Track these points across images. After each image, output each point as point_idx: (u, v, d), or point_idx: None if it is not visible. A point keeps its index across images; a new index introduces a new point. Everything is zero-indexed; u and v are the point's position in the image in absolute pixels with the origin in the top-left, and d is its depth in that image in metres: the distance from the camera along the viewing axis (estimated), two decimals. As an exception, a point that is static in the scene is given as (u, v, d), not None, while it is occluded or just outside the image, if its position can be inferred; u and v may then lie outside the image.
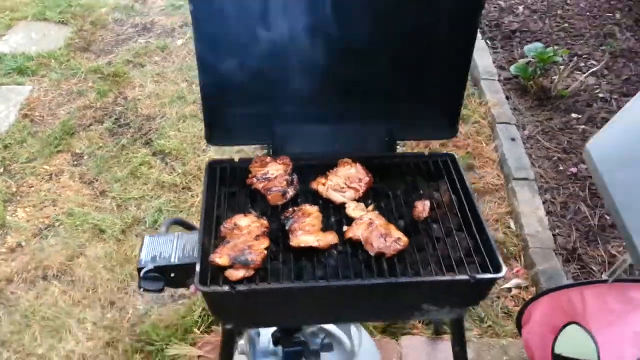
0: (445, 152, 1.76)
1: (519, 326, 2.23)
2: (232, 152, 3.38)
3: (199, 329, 2.43)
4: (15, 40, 4.33)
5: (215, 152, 3.40)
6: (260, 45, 1.63)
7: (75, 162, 3.34)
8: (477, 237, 1.47)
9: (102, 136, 3.52)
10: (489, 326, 2.44)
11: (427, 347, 2.34)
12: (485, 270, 1.37)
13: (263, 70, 1.68)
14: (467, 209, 1.55)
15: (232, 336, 1.56)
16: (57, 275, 2.70)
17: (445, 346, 2.32)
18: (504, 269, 1.35)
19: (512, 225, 2.87)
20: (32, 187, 3.16)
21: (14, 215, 3.00)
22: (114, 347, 2.42)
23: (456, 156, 1.70)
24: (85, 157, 3.37)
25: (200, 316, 2.47)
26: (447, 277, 1.36)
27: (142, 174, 3.26)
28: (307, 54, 1.67)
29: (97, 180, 3.22)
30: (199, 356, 2.33)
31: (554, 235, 2.77)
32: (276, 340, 1.72)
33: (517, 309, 2.50)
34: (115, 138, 3.52)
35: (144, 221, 2.97)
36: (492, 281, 1.38)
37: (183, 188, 3.19)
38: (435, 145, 3.26)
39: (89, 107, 3.75)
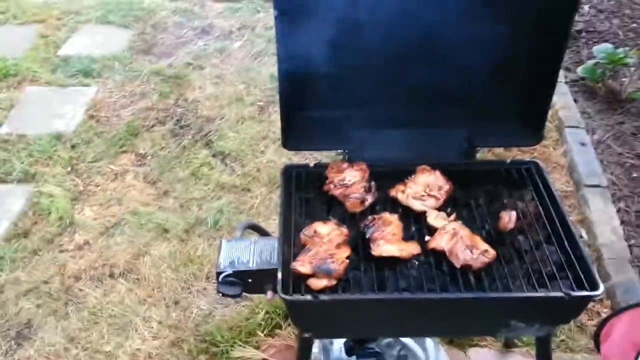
0: (528, 159, 1.69)
1: (597, 342, 2.13)
2: (290, 155, 3.38)
3: (262, 332, 2.43)
4: (80, 43, 4.44)
5: (274, 154, 3.42)
6: (339, 50, 1.61)
7: (139, 163, 3.40)
8: (569, 250, 1.40)
9: (164, 137, 3.58)
10: (562, 340, 2.34)
11: (497, 360, 2.27)
12: (580, 287, 1.31)
13: (341, 74, 1.65)
14: (555, 219, 1.48)
15: (309, 345, 1.54)
16: (123, 274, 2.75)
17: (516, 359, 2.25)
18: (601, 286, 1.28)
19: (584, 234, 2.76)
20: (98, 186, 3.23)
21: (81, 213, 3.07)
22: (179, 346, 2.44)
23: (541, 164, 1.63)
24: (149, 158, 3.43)
25: (263, 319, 2.46)
26: (540, 294, 1.29)
27: (203, 175, 3.29)
28: (385, 58, 1.64)
29: (160, 181, 3.26)
30: (263, 359, 2.33)
31: (629, 246, 2.65)
32: (349, 349, 1.69)
33: (592, 322, 2.40)
34: (176, 139, 3.57)
35: (206, 222, 2.99)
36: (588, 299, 1.32)
37: (243, 189, 3.20)
38: (499, 150, 3.17)
39: (152, 108, 3.81)
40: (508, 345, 2.27)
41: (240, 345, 2.37)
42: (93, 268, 2.78)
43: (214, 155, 3.45)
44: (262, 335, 2.42)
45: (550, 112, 3.50)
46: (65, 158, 3.38)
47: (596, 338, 2.10)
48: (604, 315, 2.28)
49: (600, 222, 2.73)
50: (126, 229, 2.97)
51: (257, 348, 2.38)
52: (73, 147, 3.48)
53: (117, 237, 2.93)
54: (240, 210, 3.07)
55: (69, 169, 3.33)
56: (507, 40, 1.61)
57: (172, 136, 3.60)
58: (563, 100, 3.58)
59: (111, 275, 2.74)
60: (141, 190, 3.21)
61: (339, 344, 1.75)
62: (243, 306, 2.58)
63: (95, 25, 4.69)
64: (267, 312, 2.48)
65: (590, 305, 2.47)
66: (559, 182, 3.05)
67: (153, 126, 3.67)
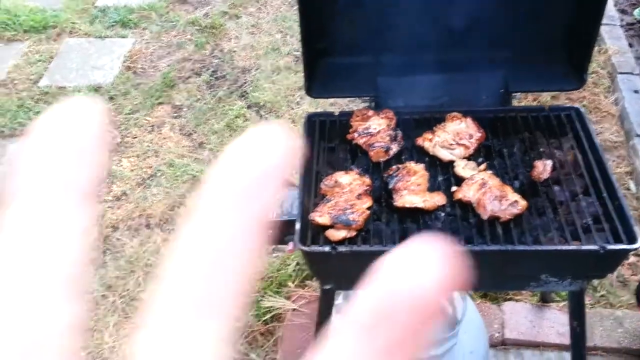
0: (569, 105, 1.57)
1: (638, 298, 2.03)
2: (326, 106, 3.31)
3: (293, 283, 2.43)
4: (117, -7, 4.42)
5: (309, 105, 3.34)
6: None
7: (175, 114, 3.40)
8: (608, 201, 1.30)
9: (199, 88, 3.55)
10: (602, 296, 2.25)
11: (532, 315, 2.19)
12: (617, 239, 1.22)
13: (368, 16, 1.56)
14: (595, 169, 1.37)
15: (330, 296, 1.51)
16: (159, 224, 2.79)
17: (552, 315, 2.17)
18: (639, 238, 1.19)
19: (632, 186, 2.61)
20: (135, 137, 3.26)
21: (119, 164, 3.11)
22: (212, 296, 2.47)
23: (582, 110, 1.51)
24: (185, 109, 3.42)
25: (294, 270, 2.46)
26: (572, 247, 1.21)
27: (237, 127, 3.27)
28: (414, -3, 1.53)
29: (195, 132, 3.26)
30: (293, 309, 2.34)
31: (682, 199, 2.49)
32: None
33: (635, 278, 2.29)
34: (212, 90, 3.54)
35: (240, 174, 2.98)
36: (625, 253, 1.23)
37: (278, 141, 3.17)
38: (545, 98, 3.01)
39: (188, 59, 3.79)
40: (545, 300, 2.19)
41: (271, 296, 2.38)
42: (130, 218, 2.82)
43: (249, 107, 3.41)
44: (292, 286, 2.42)
45: (602, 58, 3.30)
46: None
47: (638, 293, 2.01)
48: (649, 271, 2.18)
49: (652, 174, 2.57)
50: (162, 180, 3.00)
51: (288, 299, 2.38)
52: (111, 98, 3.50)
53: (153, 188, 2.96)
54: (274, 162, 3.04)
55: (107, 121, 3.36)
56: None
57: (207, 87, 3.57)
58: (617, 45, 3.34)
59: (147, 226, 2.79)
60: (177, 142, 3.22)
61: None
62: (275, 257, 2.58)
63: (132, -26, 4.65)
64: (297, 264, 2.48)
65: (634, 259, 2.35)
66: (608, 132, 2.88)
67: (189, 77, 3.65)
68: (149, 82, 3.62)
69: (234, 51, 3.83)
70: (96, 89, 3.54)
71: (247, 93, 3.49)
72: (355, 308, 0.20)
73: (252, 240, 0.21)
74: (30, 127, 0.21)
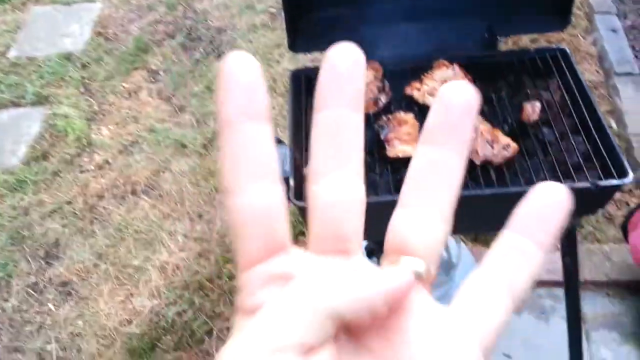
0: (555, 46, 1.57)
1: (625, 232, 2.09)
2: (306, 62, 3.27)
3: (286, 240, 2.44)
4: (80, -44, 4.24)
5: (289, 62, 3.30)
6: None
7: (152, 79, 3.33)
8: (597, 138, 1.31)
9: (175, 51, 3.48)
10: (589, 232, 2.31)
11: (522, 256, 2.25)
12: (608, 175, 1.24)
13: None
14: (583, 108, 1.38)
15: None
16: (145, 190, 2.77)
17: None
18: (630, 173, 1.21)
19: (614, 125, 2.65)
20: (112, 105, 3.20)
21: (98, 133, 3.06)
22: (206, 257, 2.48)
23: (568, 51, 1.51)
24: (161, 73, 3.35)
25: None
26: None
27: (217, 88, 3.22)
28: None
29: (174, 96, 3.21)
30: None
31: (662, 135, 2.54)
32: (370, 251, 1.68)
33: (620, 213, 2.35)
34: (188, 53, 3.47)
35: (224, 135, 2.95)
36: (616, 188, 1.25)
37: (259, 100, 3.13)
38: (525, 41, 3.00)
39: (159, 21, 3.69)
40: (534, 241, 2.24)
41: (264, 254, 2.40)
42: (115, 186, 2.80)
43: (227, 67, 3.35)
44: (286, 242, 2.43)
45: (579, -2, 3.29)
46: (77, 78, 3.33)
47: (624, 228, 2.07)
48: (632, 206, 2.23)
49: (631, 111, 2.61)
50: (144, 146, 2.96)
51: (282, 255, 2.40)
52: (84, 66, 3.41)
53: (136, 155, 2.92)
54: (257, 122, 3.02)
55: (82, 89, 3.29)
56: None
57: (183, 50, 3.50)
58: (593, -16, 3.33)
59: (133, 193, 2.77)
60: (156, 107, 3.16)
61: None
62: (266, 216, 2.59)
63: (94, -64, 4.46)
64: (293, 220, 2.49)
65: (619, 195, 2.41)
66: (588, 72, 2.90)
67: (163, 40, 3.56)
68: (122, 47, 3.53)
69: (208, 11, 3.73)
70: (67, 57, 3.44)
71: (224, 53, 3.42)
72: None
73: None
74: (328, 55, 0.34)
